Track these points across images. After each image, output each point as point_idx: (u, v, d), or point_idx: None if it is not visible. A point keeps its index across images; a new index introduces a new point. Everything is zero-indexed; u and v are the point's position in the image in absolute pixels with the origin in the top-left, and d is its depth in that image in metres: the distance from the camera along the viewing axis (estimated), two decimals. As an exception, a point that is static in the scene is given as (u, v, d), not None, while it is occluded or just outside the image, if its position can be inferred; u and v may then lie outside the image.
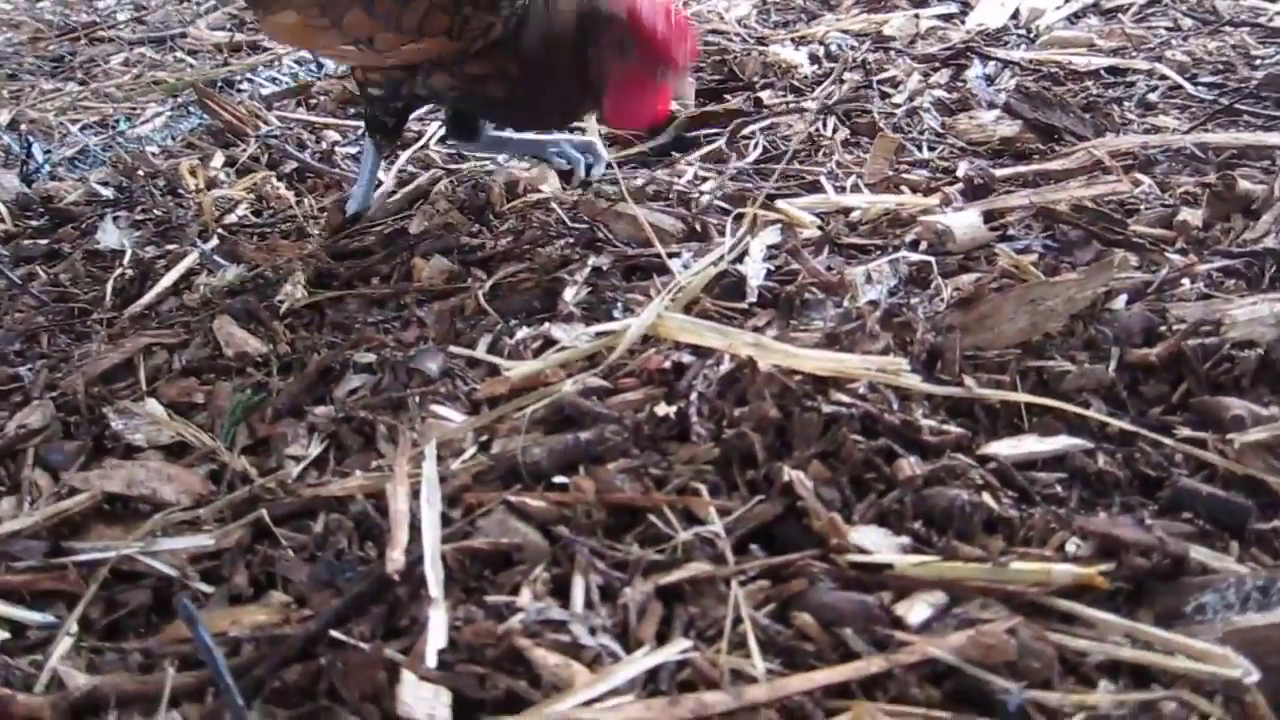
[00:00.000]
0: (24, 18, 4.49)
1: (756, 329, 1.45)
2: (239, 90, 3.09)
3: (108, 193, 2.32)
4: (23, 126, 2.99)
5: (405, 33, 1.71)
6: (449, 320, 1.55)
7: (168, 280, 1.82)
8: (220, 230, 2.04)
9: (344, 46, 1.76)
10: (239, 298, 1.72)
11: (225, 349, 1.56)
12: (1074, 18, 2.73)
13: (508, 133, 2.08)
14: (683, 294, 1.50)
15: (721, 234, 1.70)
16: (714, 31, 2.73)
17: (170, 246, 1.99)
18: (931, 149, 2.02)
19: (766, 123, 2.16)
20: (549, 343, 1.48)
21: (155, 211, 2.19)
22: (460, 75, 1.74)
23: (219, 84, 3.15)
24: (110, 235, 2.08)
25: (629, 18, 1.65)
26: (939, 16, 2.77)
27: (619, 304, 1.56)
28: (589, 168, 2.06)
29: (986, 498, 1.17)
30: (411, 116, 2.08)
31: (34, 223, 2.22)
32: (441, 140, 2.12)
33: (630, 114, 1.74)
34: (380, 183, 2.13)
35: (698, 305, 1.52)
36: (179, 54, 3.63)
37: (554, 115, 1.87)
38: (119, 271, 1.91)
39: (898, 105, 2.23)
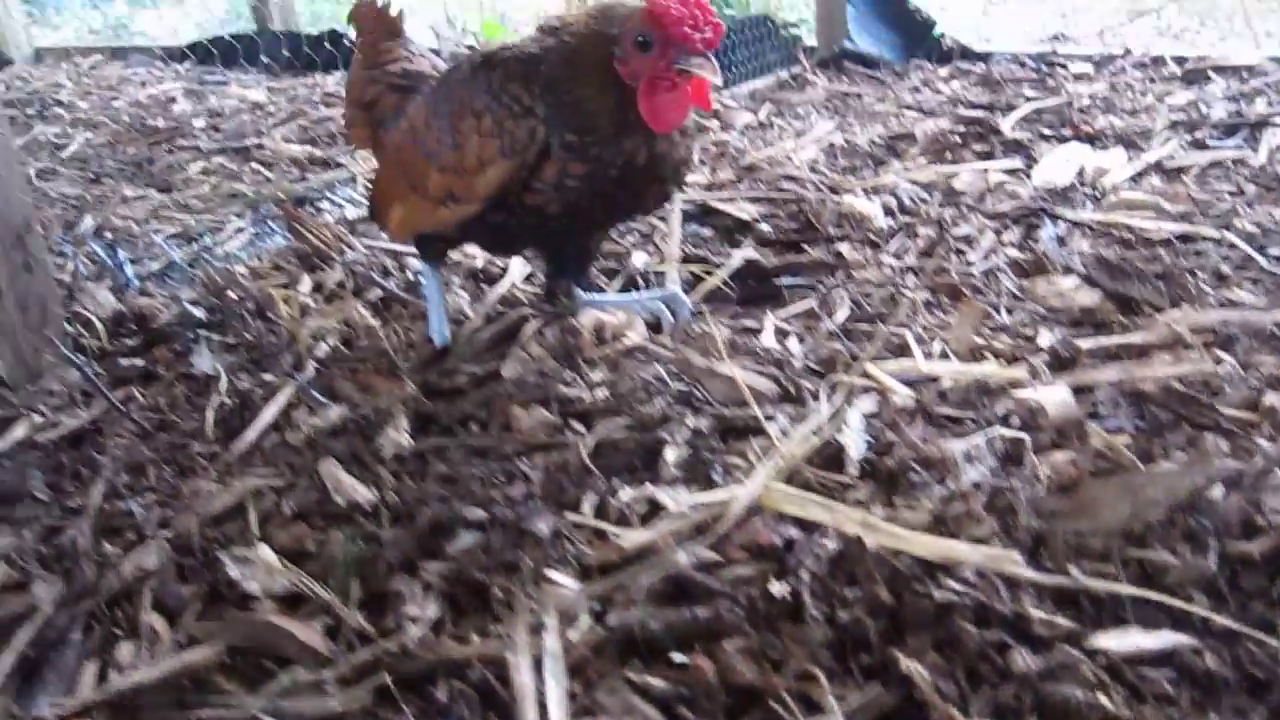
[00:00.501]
0: (102, 118, 4.65)
1: (860, 503, 1.48)
2: (319, 208, 3.18)
3: (199, 313, 2.38)
4: (108, 233, 3.09)
5: (470, 172, 1.81)
6: (554, 477, 1.59)
7: (268, 415, 1.86)
8: (313, 360, 2.09)
9: (438, 214, 1.89)
10: (342, 438, 1.76)
11: (334, 495, 1.60)
12: (1137, 177, 2.80)
13: (599, 295, 2.17)
14: (784, 463, 1.54)
15: (815, 398, 1.74)
16: (788, 177, 2.81)
17: (266, 376, 2.04)
18: (1010, 312, 2.07)
19: (847, 275, 2.21)
20: (654, 506, 1.51)
21: (246, 335, 2.25)
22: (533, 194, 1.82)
23: (300, 201, 3.25)
24: (204, 360, 2.14)
25: (642, 11, 1.72)
26: (1006, 171, 2.85)
27: (718, 466, 1.60)
28: (674, 313, 2.12)
29: (1101, 697, 1.18)
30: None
31: (128, 341, 2.29)
32: (544, 299, 2.19)
33: (667, 111, 1.75)
34: (467, 318, 2.19)
35: (799, 475, 1.55)
36: (255, 165, 3.74)
37: (618, 183, 1.82)
38: (217, 400, 1.96)
39: (973, 263, 2.29)
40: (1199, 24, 5.33)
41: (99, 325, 2.32)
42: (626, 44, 1.74)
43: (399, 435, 1.72)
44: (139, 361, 2.19)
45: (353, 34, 2.49)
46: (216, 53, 5.77)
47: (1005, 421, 1.68)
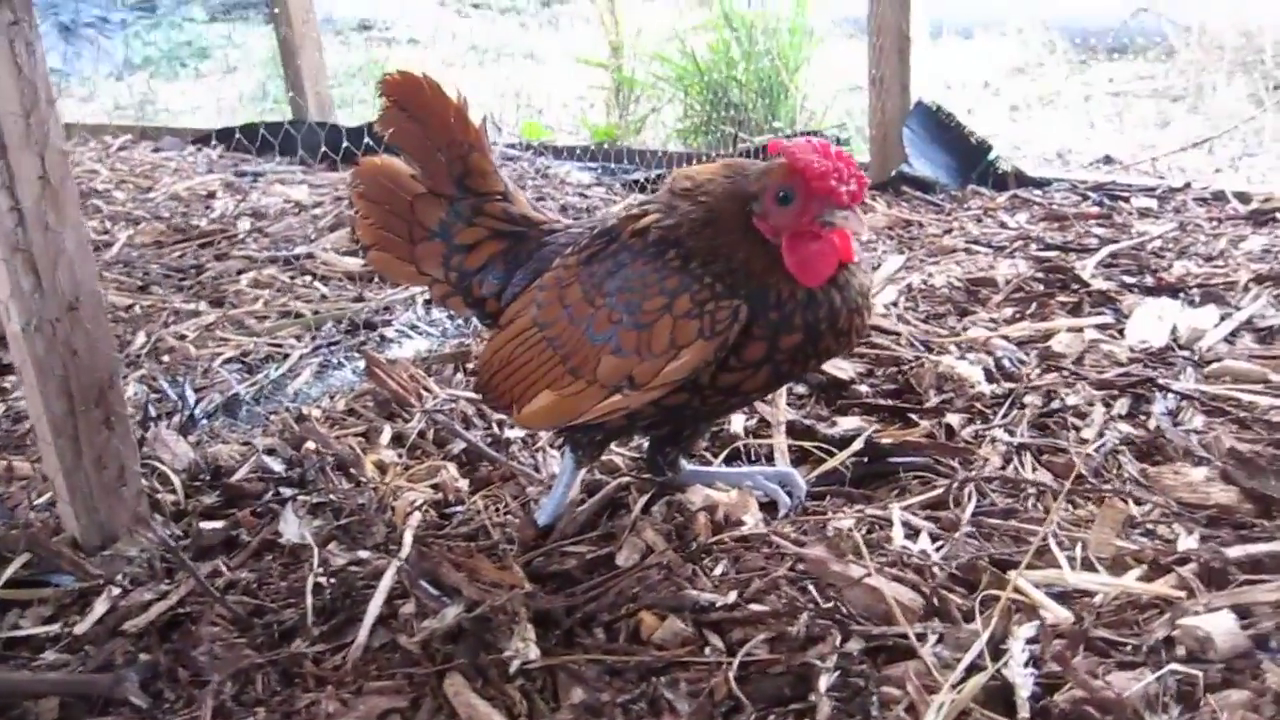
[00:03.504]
0: (141, 212, 4.57)
1: (1039, 756, 1.38)
2: (382, 335, 3.09)
3: (278, 466, 2.27)
4: (164, 358, 2.99)
5: (661, 355, 1.69)
6: (703, 709, 1.48)
7: (374, 608, 1.75)
8: (408, 530, 1.99)
9: (608, 400, 1.74)
10: (462, 644, 1.65)
11: (466, 723, 1.48)
12: (1231, 337, 2.73)
13: (706, 467, 2.07)
14: (951, 707, 1.43)
15: (965, 616, 1.64)
16: (878, 329, 2.74)
17: (362, 553, 1.94)
18: (1138, 503, 1.98)
19: (966, 459, 2.12)
20: (815, 750, 1.41)
21: (332, 497, 2.14)
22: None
23: (359, 324, 3.16)
24: (292, 527, 2.03)
25: (780, 165, 1.65)
26: (1097, 327, 2.78)
27: (874, 699, 1.49)
28: (790, 495, 2.02)
29: None
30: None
31: (205, 498, 2.18)
32: (647, 468, 2.07)
33: (815, 263, 1.68)
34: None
35: (968, 718, 1.44)
36: (308, 277, 3.66)
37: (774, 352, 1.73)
38: (313, 580, 1.85)
39: (1088, 440, 2.20)
40: (1241, 147, 5.34)
41: (175, 479, 2.21)
42: (767, 200, 1.68)
43: (525, 645, 1.61)
44: (220, 524, 2.07)
45: (388, 124, 1.97)
46: (254, 140, 5.71)
47: (1170, 649, 1.58)
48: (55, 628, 1.84)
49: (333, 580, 1.85)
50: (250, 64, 9.18)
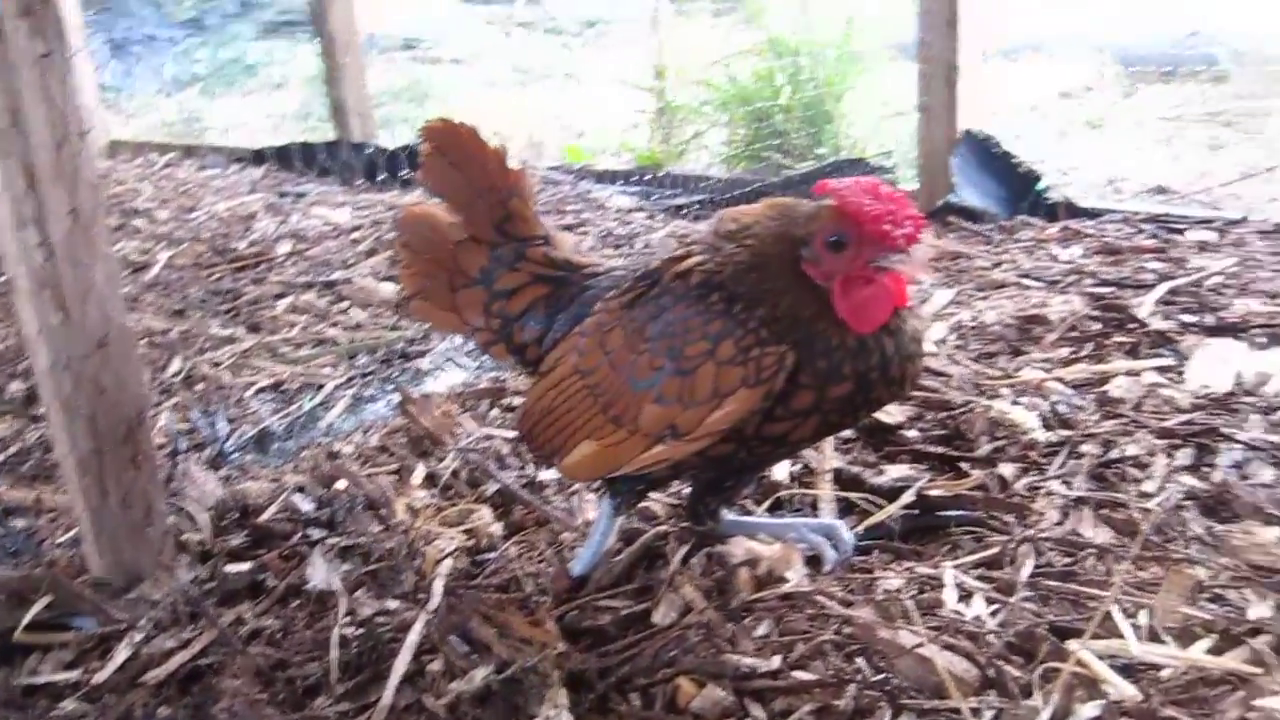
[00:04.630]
0: (183, 233, 4.57)
1: None
2: (418, 367, 3.04)
3: (307, 506, 2.22)
4: (198, 386, 2.96)
5: (704, 403, 1.62)
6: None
7: (401, 665, 1.68)
8: (438, 579, 1.92)
9: (651, 451, 1.66)
10: (490, 709, 1.57)
11: (496, 800, 1.41)
12: (1296, 380, 2.61)
13: (748, 517, 1.99)
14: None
15: (1020, 689, 1.55)
16: (927, 370, 2.64)
17: (390, 604, 1.87)
18: (1206, 566, 1.87)
19: (1020, 514, 2.03)
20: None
21: (361, 540, 2.08)
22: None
23: (395, 354, 3.12)
24: (319, 573, 1.97)
25: (831, 208, 1.57)
26: (1157, 370, 2.67)
27: (928, 782, 1.40)
28: (836, 548, 1.93)
29: None
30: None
31: (233, 539, 2.12)
32: (687, 517, 2.00)
33: (869, 309, 1.59)
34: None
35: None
36: (345, 303, 3.62)
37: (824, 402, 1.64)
38: (339, 632, 1.79)
39: (1150, 494, 2.10)
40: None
41: (202, 517, 2.17)
42: (817, 246, 1.60)
43: (556, 712, 1.53)
44: (246, 566, 2.02)
45: (430, 172, 1.93)
46: (295, 159, 5.71)
47: (1246, 733, 1.48)
48: (75, 674, 1.79)
49: (359, 632, 1.79)
50: (297, 81, 9.23)
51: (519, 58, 8.20)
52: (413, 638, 1.74)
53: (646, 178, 4.98)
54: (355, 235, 4.42)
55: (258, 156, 6.01)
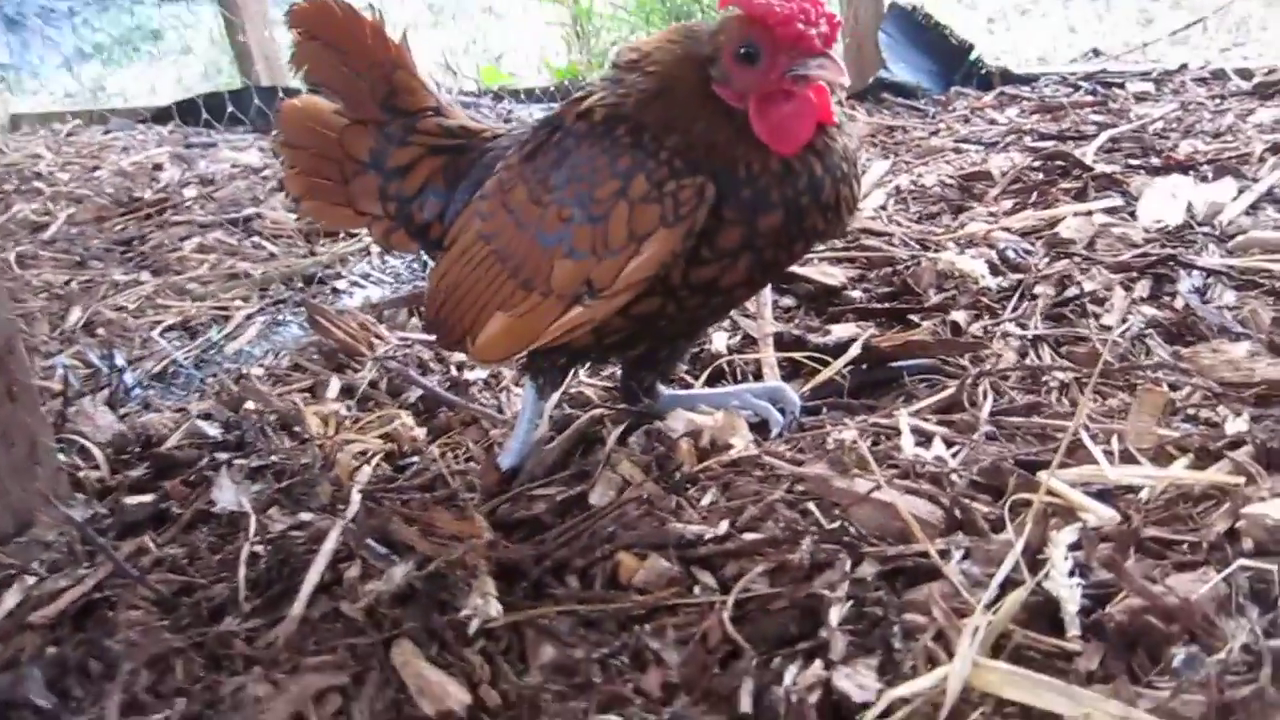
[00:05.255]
0: (85, 190, 4.31)
1: (1099, 677, 1.16)
2: (334, 288, 2.86)
3: (213, 431, 2.04)
4: (99, 329, 2.76)
5: (620, 251, 1.45)
6: (695, 657, 1.25)
7: (314, 574, 1.52)
8: (357, 489, 1.76)
9: (568, 315, 1.50)
10: (413, 607, 1.42)
11: (418, 699, 1.25)
12: (1252, 209, 2.49)
13: (687, 391, 1.84)
14: (987, 631, 1.21)
15: (990, 525, 1.42)
16: (866, 231, 2.50)
17: (303, 516, 1.71)
18: (1175, 388, 1.75)
19: (975, 355, 1.89)
20: (828, 692, 1.18)
21: (273, 458, 1.91)
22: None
23: (310, 280, 2.93)
24: (227, 494, 1.80)
25: (736, 17, 1.42)
26: (1106, 210, 2.54)
27: (896, 629, 1.27)
28: (783, 412, 1.79)
29: None
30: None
31: (134, 471, 1.95)
32: (622, 398, 1.84)
33: (791, 127, 1.44)
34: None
35: (1009, 641, 1.22)
36: (256, 239, 3.41)
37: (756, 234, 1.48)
38: (248, 549, 1.62)
39: (1111, 328, 1.97)
40: (1229, 38, 5.11)
41: (98, 453, 1.99)
42: (726, 61, 1.43)
43: (485, 601, 1.38)
44: (148, 498, 1.85)
45: (303, 59, 1.77)
46: (203, 112, 5.44)
47: (1235, 543, 1.36)
48: (-38, 627, 1.61)
49: (270, 548, 1.62)
50: (204, 43, 8.86)
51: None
52: (328, 546, 1.58)
53: (568, 91, 4.77)
54: (266, 173, 4.19)
55: (162, 114, 5.72)
